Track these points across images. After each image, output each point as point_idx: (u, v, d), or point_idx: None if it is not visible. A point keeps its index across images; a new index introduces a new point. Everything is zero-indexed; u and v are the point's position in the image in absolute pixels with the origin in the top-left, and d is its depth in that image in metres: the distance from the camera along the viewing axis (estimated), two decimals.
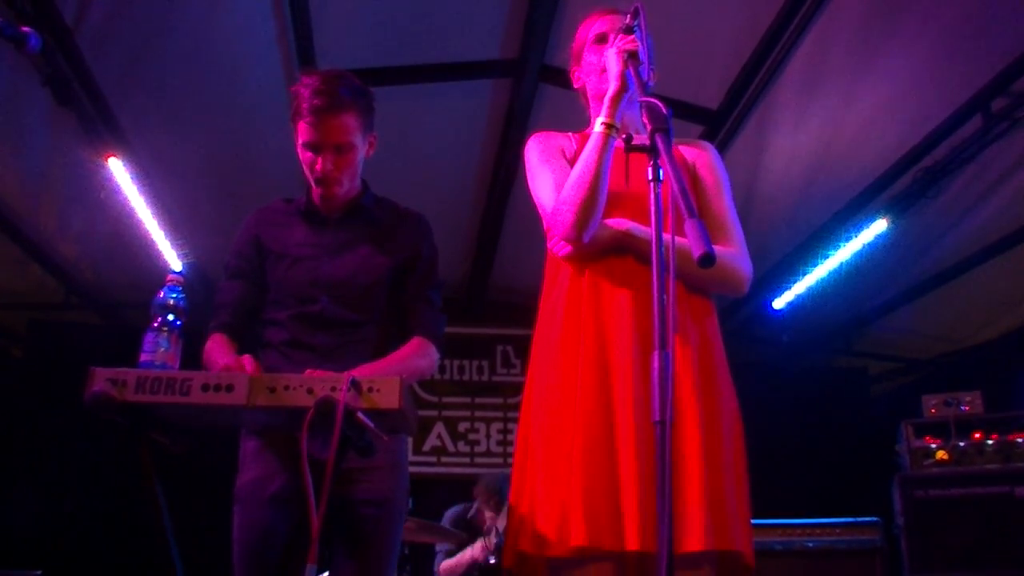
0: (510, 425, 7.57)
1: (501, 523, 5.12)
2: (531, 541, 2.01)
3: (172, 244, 5.85)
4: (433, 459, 7.42)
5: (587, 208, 2.10)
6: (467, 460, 7.42)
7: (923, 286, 6.58)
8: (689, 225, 1.56)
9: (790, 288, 6.68)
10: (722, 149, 5.15)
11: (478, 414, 7.65)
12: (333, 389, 1.84)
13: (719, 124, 5.09)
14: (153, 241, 5.79)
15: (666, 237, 1.63)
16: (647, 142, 1.73)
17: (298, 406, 1.85)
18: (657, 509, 1.50)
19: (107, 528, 6.45)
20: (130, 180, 5.07)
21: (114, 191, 5.15)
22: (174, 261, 6.00)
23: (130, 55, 4.48)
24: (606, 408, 2.01)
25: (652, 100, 1.78)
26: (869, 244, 5.81)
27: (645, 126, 1.75)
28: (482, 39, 4.78)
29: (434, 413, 7.54)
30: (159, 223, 5.61)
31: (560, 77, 4.53)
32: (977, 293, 6.49)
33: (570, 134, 2.45)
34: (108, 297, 7.04)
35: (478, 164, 5.81)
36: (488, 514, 5.33)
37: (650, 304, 1.61)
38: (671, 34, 4.01)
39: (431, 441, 7.49)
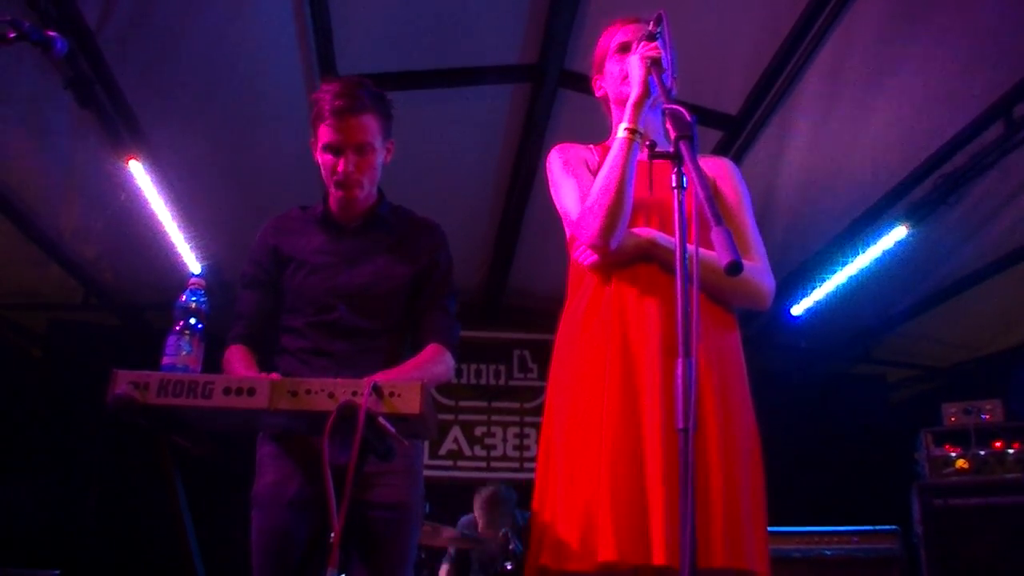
0: (526, 429, 7.57)
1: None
2: (554, 555, 1.99)
3: (191, 246, 5.87)
4: (449, 463, 7.42)
5: (614, 213, 2.09)
6: (483, 464, 7.41)
7: (943, 293, 6.53)
8: (716, 233, 1.55)
9: (809, 295, 6.64)
10: (741, 155, 5.14)
11: (495, 418, 7.64)
12: (355, 394, 1.85)
13: (738, 130, 5.08)
14: (172, 243, 5.81)
15: (690, 248, 1.61)
16: (671, 149, 1.72)
17: (320, 410, 1.86)
18: (679, 518, 1.49)
19: (126, 528, 6.49)
20: (150, 182, 5.09)
21: (134, 193, 5.18)
22: (193, 263, 6.02)
23: (151, 58, 4.50)
24: (632, 418, 1.99)
25: (676, 107, 1.77)
26: (888, 251, 5.77)
27: (668, 133, 1.74)
28: (502, 44, 4.78)
29: (451, 417, 7.55)
30: (178, 225, 5.63)
31: (580, 82, 4.53)
32: (997, 301, 6.44)
33: (591, 146, 2.45)
34: (127, 298, 7.07)
35: (497, 168, 5.81)
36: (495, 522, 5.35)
37: (676, 313, 1.60)
38: (691, 40, 4.00)
39: (447, 445, 7.49)
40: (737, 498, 1.95)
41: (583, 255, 2.24)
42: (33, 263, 6.26)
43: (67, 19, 3.94)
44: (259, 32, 4.46)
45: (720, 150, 5.17)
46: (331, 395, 1.86)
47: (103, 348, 6.88)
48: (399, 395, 1.87)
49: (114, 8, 4.14)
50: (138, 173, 4.97)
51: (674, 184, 1.70)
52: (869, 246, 5.81)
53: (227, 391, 1.88)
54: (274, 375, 2.13)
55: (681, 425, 1.51)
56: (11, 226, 5.68)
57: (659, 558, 1.84)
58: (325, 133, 2.41)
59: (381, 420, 1.85)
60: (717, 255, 1.55)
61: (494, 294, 7.48)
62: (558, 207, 2.34)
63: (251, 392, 1.88)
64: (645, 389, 2.01)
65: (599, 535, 1.90)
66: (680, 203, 1.68)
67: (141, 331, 7.23)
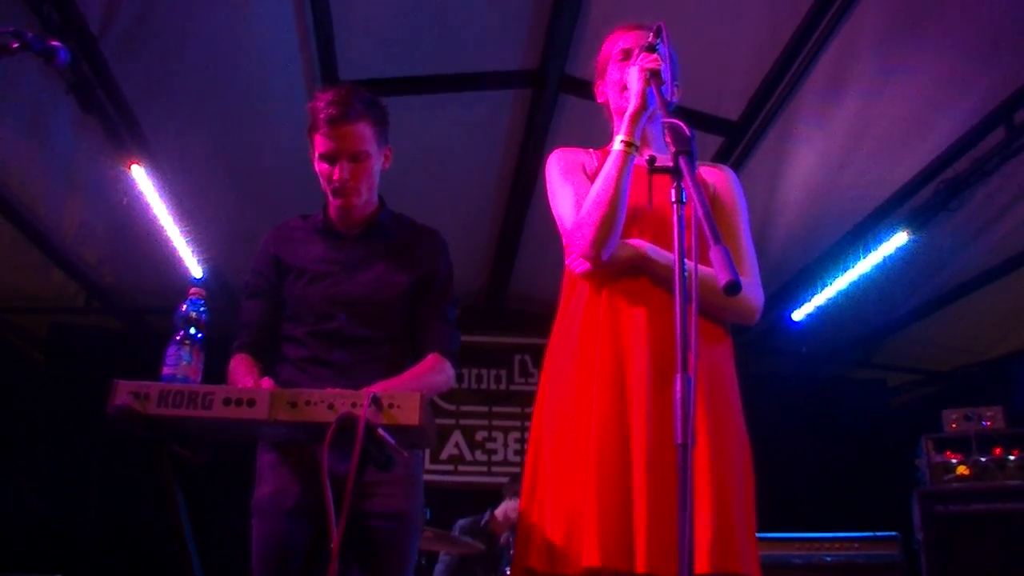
0: (528, 434, 7.53)
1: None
2: (540, 558, 2.01)
3: (193, 250, 5.88)
4: (450, 468, 7.41)
5: (606, 226, 2.10)
6: (484, 469, 7.40)
7: (943, 298, 6.53)
8: (715, 252, 1.55)
9: (809, 300, 6.64)
10: (742, 160, 5.13)
11: (496, 423, 7.63)
12: (354, 405, 1.85)
13: (739, 135, 5.07)
14: (174, 247, 5.82)
15: (689, 264, 1.62)
16: (670, 163, 1.72)
17: (319, 422, 1.86)
18: (678, 532, 1.49)
19: (126, 533, 6.49)
20: (152, 187, 5.10)
21: (136, 197, 5.18)
22: (194, 267, 6.03)
23: (154, 62, 4.50)
24: (621, 427, 2.01)
25: (675, 121, 1.76)
26: (889, 256, 5.76)
27: (668, 146, 1.75)
28: (503, 49, 4.78)
29: (452, 422, 7.53)
30: (180, 229, 5.64)
31: (581, 88, 4.53)
32: (998, 306, 6.44)
33: (591, 151, 2.45)
34: (129, 302, 7.08)
35: (498, 173, 5.81)
36: (503, 520, 5.27)
37: (665, 325, 1.61)
38: (692, 45, 3.99)
39: (448, 450, 7.48)
40: (728, 504, 1.96)
41: (575, 263, 2.25)
42: (35, 266, 6.27)
43: (70, 24, 3.95)
44: (261, 37, 4.47)
45: (721, 156, 5.16)
46: (330, 406, 1.87)
47: (104, 352, 6.90)
48: (398, 406, 1.88)
49: (116, 13, 4.15)
50: (140, 177, 4.98)
51: (673, 199, 1.70)
52: (870, 251, 5.81)
53: (227, 402, 1.88)
54: (264, 380, 2.14)
55: (679, 440, 1.52)
56: (13, 229, 5.68)
57: (641, 566, 1.86)
58: (320, 142, 2.41)
59: (380, 431, 1.86)
60: (716, 274, 1.55)
61: (495, 299, 7.48)
62: (554, 214, 2.35)
63: (251, 403, 1.88)
64: (633, 399, 2.02)
65: (584, 541, 1.92)
66: (680, 218, 1.68)
67: (142, 335, 7.24)
